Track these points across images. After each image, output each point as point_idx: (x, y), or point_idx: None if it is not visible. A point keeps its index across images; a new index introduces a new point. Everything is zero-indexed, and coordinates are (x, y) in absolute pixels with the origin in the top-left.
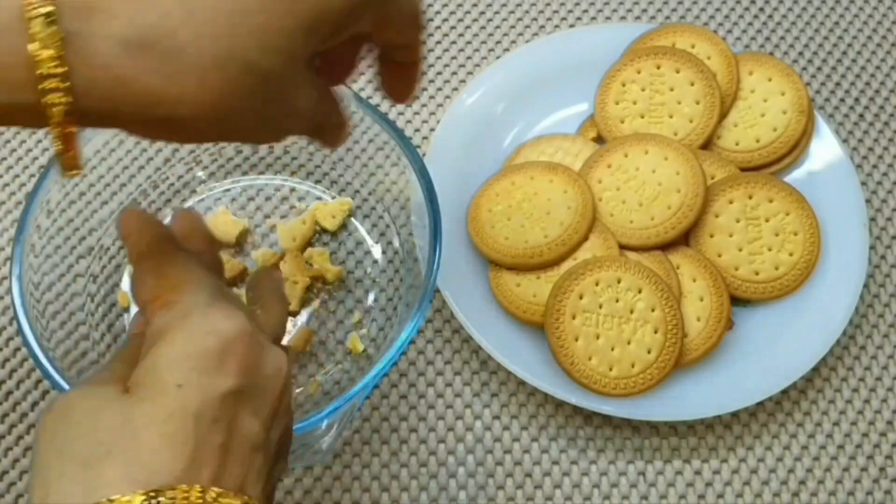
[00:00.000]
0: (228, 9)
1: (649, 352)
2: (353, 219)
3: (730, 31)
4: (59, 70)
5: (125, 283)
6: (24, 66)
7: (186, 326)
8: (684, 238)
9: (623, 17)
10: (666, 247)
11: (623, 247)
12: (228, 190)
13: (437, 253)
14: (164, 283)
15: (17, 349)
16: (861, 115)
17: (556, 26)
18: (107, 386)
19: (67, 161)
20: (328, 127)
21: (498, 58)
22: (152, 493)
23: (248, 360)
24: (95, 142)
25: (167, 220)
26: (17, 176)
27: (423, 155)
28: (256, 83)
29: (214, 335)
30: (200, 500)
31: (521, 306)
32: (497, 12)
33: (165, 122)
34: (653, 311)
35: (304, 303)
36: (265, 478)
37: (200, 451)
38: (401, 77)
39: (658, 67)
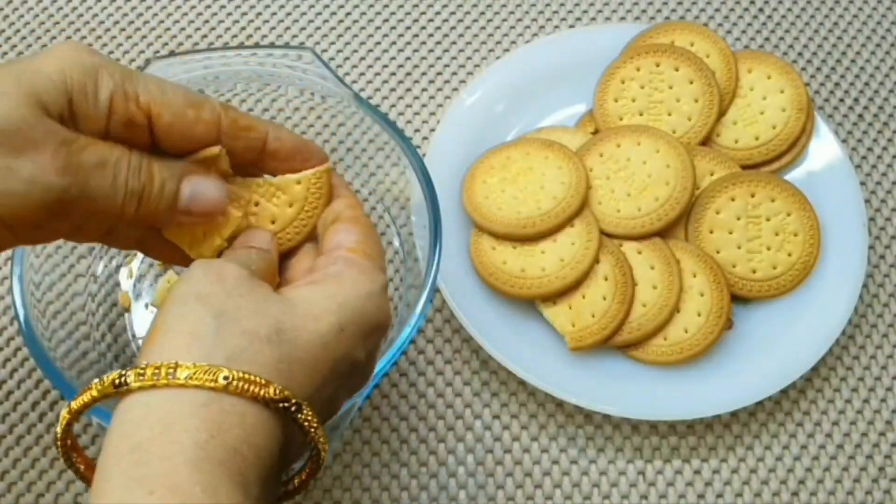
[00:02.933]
0: None
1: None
2: None
3: (729, 32)
4: None
5: (126, 283)
6: None
7: (368, 286)
8: (684, 233)
9: (623, 18)
10: (665, 240)
11: (608, 235)
12: None
13: (437, 253)
14: (367, 247)
15: (18, 349)
16: (860, 115)
17: (556, 26)
18: (262, 284)
19: None
20: None
21: (498, 58)
22: (294, 402)
23: (376, 350)
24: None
25: None
26: None
27: (423, 155)
28: None
29: (378, 313)
30: (314, 427)
31: (500, 277)
32: (497, 12)
33: None
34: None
35: None
36: None
37: (321, 392)
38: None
39: (657, 65)
